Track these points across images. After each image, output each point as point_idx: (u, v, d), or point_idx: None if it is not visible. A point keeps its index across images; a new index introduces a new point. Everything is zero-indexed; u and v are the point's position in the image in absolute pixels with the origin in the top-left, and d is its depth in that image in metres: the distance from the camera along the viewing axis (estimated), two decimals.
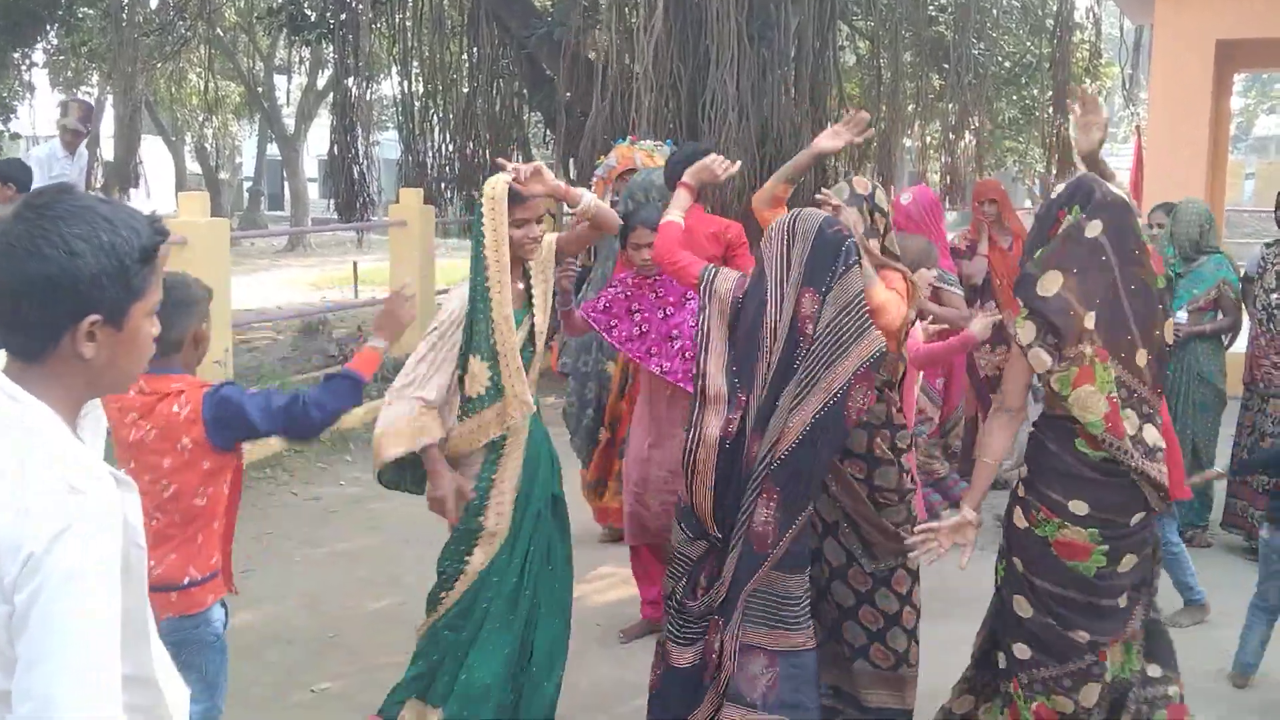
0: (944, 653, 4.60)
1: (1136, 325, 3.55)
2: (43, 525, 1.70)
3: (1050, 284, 3.56)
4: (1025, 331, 3.59)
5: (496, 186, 3.95)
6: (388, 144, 19.94)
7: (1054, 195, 3.77)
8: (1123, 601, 3.68)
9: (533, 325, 4.13)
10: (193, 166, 33.58)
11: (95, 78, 24.49)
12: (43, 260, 1.77)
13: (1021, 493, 3.73)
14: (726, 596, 3.81)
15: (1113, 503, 3.57)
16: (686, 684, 3.91)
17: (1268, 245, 6.72)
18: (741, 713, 3.77)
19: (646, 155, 7.75)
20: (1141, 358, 3.56)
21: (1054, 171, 15.02)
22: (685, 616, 3.91)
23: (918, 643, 4.26)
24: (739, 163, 4.69)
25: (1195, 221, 6.61)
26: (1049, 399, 3.68)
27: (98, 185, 17.54)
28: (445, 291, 5.10)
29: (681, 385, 4.91)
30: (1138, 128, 11.55)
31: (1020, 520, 3.71)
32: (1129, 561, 3.63)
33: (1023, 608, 3.72)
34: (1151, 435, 3.57)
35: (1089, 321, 3.51)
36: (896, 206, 6.44)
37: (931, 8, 15.62)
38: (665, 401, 5.06)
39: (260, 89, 29.08)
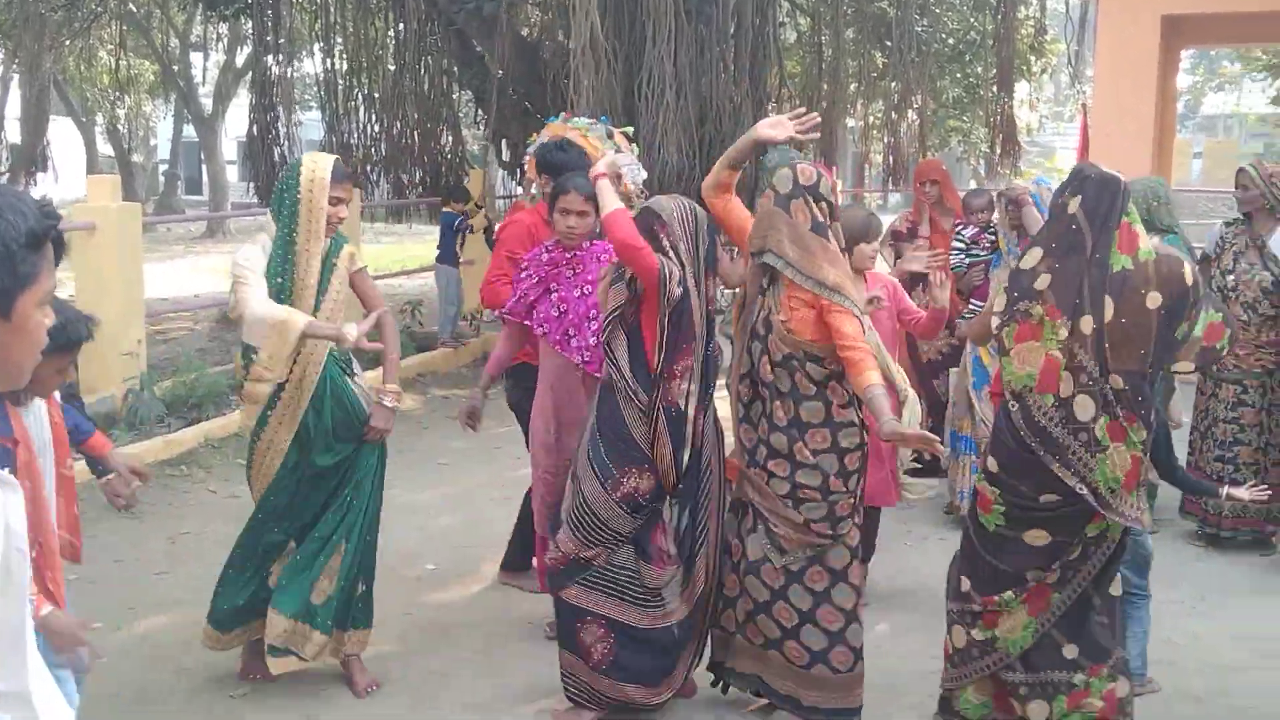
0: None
1: (1088, 291, 3.83)
2: None
3: (1031, 258, 4.02)
4: (999, 300, 4.08)
5: (320, 161, 4.55)
6: (310, 124, 19.73)
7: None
8: (1026, 573, 3.99)
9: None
10: (105, 149, 33.02)
11: (0, 55, 24.03)
12: None
13: (988, 470, 4.13)
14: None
15: (1018, 471, 3.94)
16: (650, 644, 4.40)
17: (1226, 224, 6.80)
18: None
19: (580, 135, 7.70)
20: (1087, 324, 3.82)
21: (998, 151, 15.16)
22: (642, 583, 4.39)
23: (850, 647, 4.31)
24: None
25: (1141, 198, 6.66)
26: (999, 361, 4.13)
27: (3, 170, 17.24)
28: (379, 278, 5.12)
29: (594, 374, 4.94)
30: (1084, 106, 11.67)
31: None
32: (1037, 536, 3.96)
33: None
34: (1084, 409, 3.82)
35: (1041, 283, 3.91)
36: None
37: None
38: (573, 386, 5.04)
39: (175, 67, 28.62)
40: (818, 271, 4.15)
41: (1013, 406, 3.95)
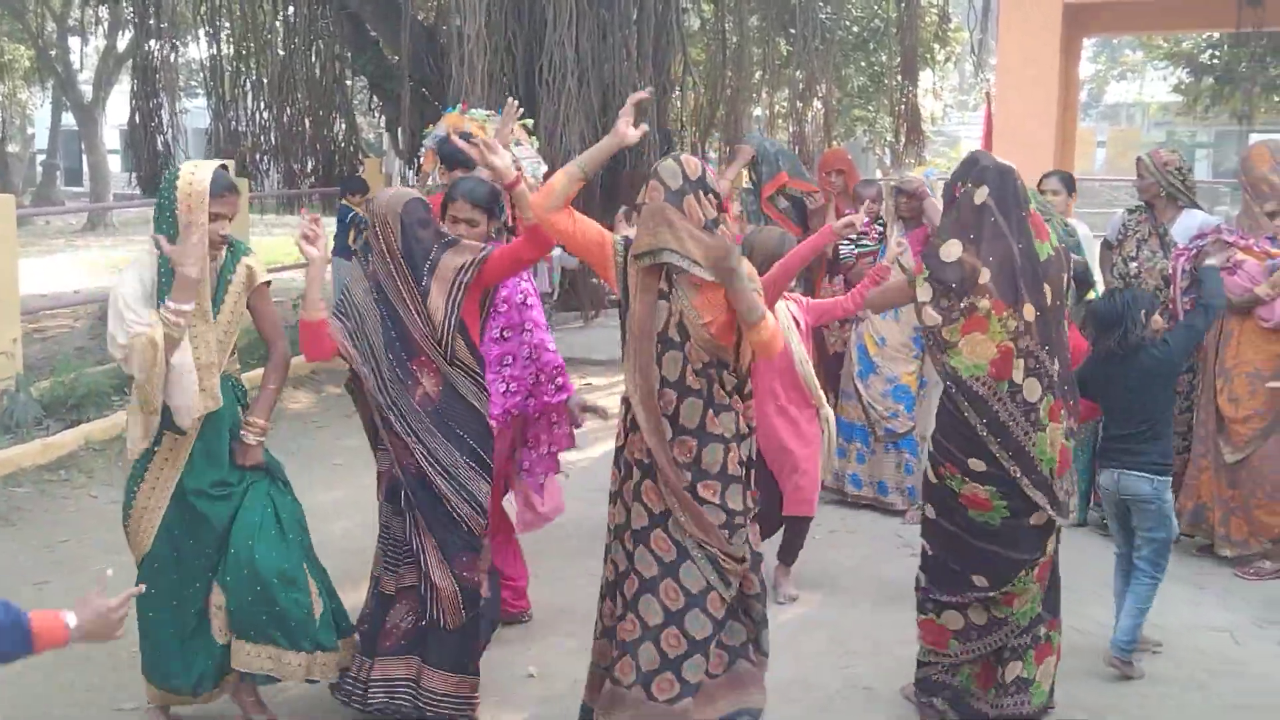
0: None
1: (1023, 280, 4.22)
2: None
3: (952, 250, 4.27)
4: (922, 291, 4.30)
5: (198, 173, 4.24)
6: (196, 111, 19.41)
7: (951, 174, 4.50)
8: (1029, 553, 4.33)
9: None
10: None
11: None
12: None
13: (932, 449, 4.44)
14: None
15: (992, 464, 4.25)
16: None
17: (1129, 212, 6.94)
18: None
19: (478, 126, 7.66)
20: (1029, 312, 4.21)
21: (903, 141, 15.36)
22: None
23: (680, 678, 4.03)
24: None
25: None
26: (939, 356, 4.33)
27: None
28: (272, 270, 4.97)
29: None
30: (988, 94, 11.84)
31: (931, 475, 4.46)
32: (1040, 516, 4.30)
33: (929, 546, 4.52)
34: (1032, 391, 4.22)
35: (984, 277, 4.20)
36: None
37: None
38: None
39: (53, 52, 28.04)
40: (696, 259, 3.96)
41: (951, 389, 4.29)
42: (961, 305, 4.22)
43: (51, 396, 8.66)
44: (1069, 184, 7.27)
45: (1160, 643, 5.25)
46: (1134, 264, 6.69)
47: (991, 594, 4.37)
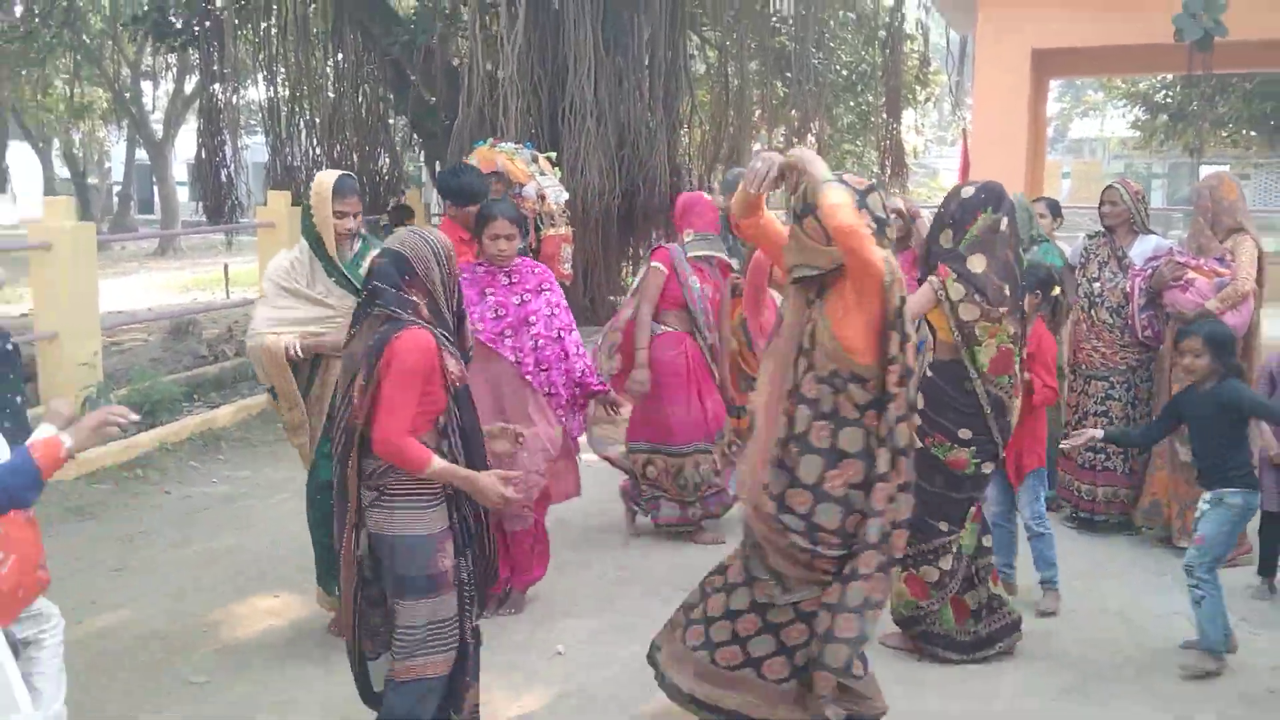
0: None
1: (1020, 294, 4.74)
2: None
3: (978, 264, 4.57)
4: (954, 290, 4.57)
5: (325, 178, 4.66)
6: (256, 148, 19.50)
7: (967, 198, 4.66)
8: (978, 493, 4.83)
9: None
10: (61, 172, 32.38)
11: None
12: None
13: (918, 420, 4.26)
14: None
15: (984, 426, 4.65)
16: None
17: (1089, 237, 6.92)
18: None
19: (507, 158, 7.68)
20: (1017, 322, 4.69)
21: (888, 172, 15.35)
22: None
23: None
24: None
25: (1026, 212, 6.84)
26: (944, 347, 4.66)
27: None
28: None
29: (528, 377, 5.07)
30: (964, 131, 11.84)
31: (917, 439, 4.26)
32: (989, 466, 4.75)
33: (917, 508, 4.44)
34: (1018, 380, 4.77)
35: (1006, 290, 4.58)
36: (700, 200, 6.55)
37: (774, 19, 15.81)
38: (513, 390, 5.06)
39: (128, 95, 28.15)
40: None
41: (974, 376, 4.64)
42: (994, 314, 4.56)
43: (129, 402, 8.63)
44: (1055, 209, 7.27)
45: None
46: (1096, 284, 6.67)
47: (951, 536, 4.75)
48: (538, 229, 7.57)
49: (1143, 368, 6.60)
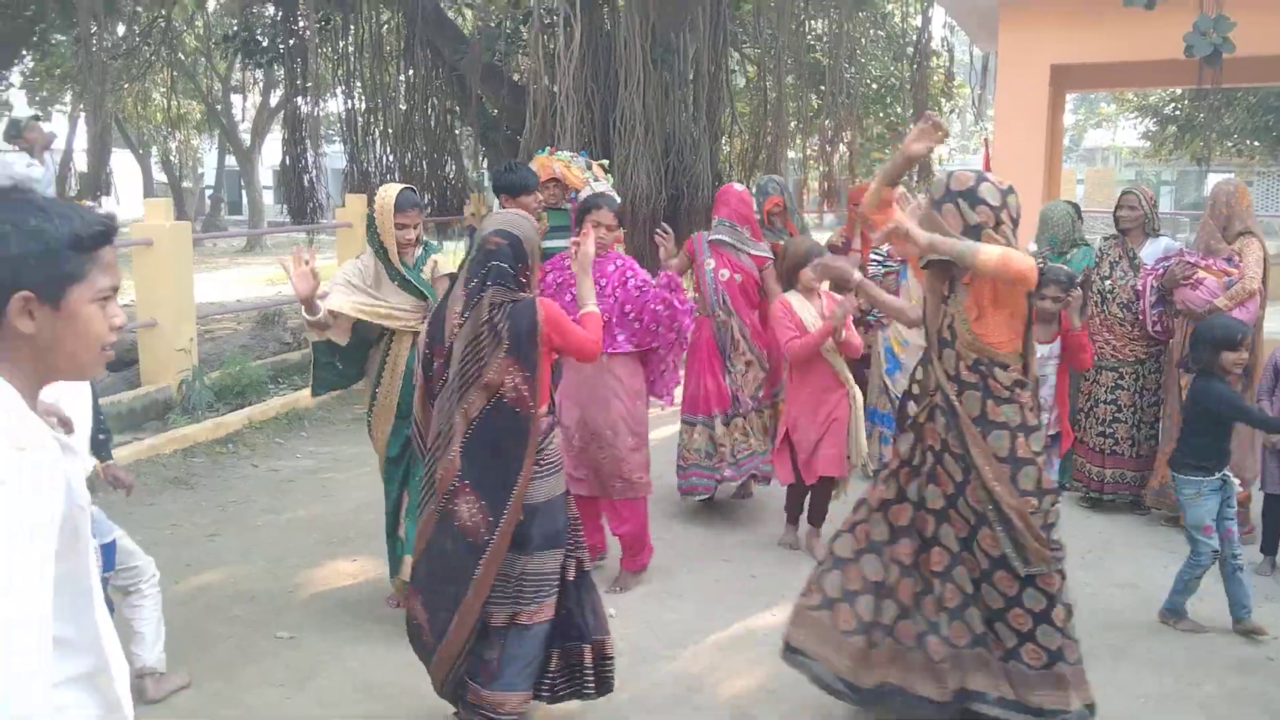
0: None
1: None
2: None
3: None
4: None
5: (388, 193, 4.65)
6: (334, 155, 19.62)
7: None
8: None
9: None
10: (159, 176, 32.75)
11: (68, 97, 23.79)
12: None
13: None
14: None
15: None
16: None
17: (1104, 239, 6.87)
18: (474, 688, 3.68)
19: (564, 165, 7.68)
20: None
21: (914, 180, 15.21)
22: None
23: (1075, 640, 3.80)
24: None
25: (1066, 220, 6.84)
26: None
27: (71, 193, 17.08)
28: None
29: (618, 349, 5.17)
30: (986, 140, 11.73)
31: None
32: None
33: None
34: None
35: None
36: (731, 193, 6.50)
37: (809, 37, 15.73)
38: (595, 368, 5.08)
39: (219, 107, 28.42)
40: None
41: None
42: None
43: (221, 385, 8.78)
44: (1077, 212, 7.22)
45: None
46: (1108, 282, 6.61)
47: None
48: (580, 207, 7.62)
49: (1151, 360, 6.55)
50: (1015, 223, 3.74)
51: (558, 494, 3.72)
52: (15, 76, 21.24)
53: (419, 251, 4.75)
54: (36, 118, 9.60)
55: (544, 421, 3.65)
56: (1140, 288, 6.42)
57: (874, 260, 7.22)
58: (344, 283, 4.73)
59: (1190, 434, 4.89)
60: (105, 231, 1.81)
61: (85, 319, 1.78)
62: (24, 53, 17.36)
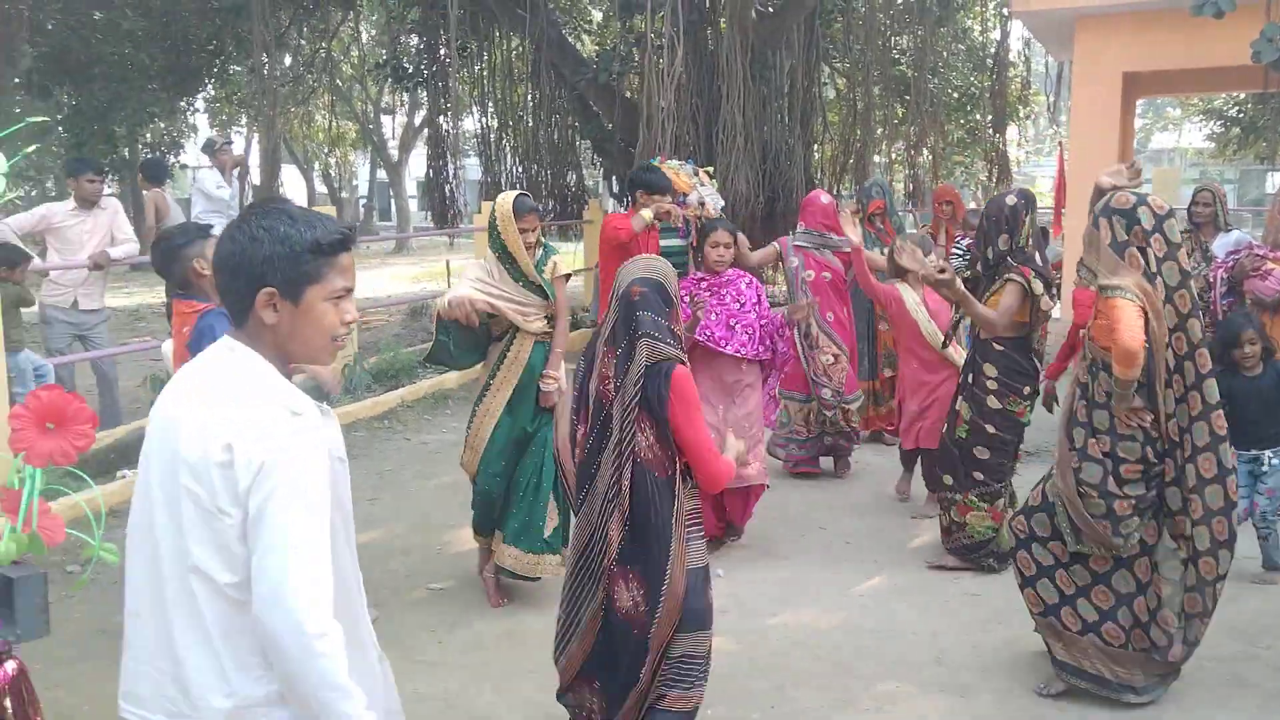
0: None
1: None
2: (270, 441, 1.74)
3: (1039, 260, 4.79)
4: (1036, 285, 4.65)
5: (505, 200, 4.48)
6: (471, 167, 19.90)
7: (1013, 205, 4.74)
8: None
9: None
10: (320, 188, 33.62)
11: (244, 119, 24.56)
12: (233, 243, 1.84)
13: (994, 386, 4.76)
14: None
15: (1036, 384, 4.85)
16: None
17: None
18: None
19: (673, 172, 7.67)
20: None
21: (994, 181, 14.84)
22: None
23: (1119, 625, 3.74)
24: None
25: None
26: (1016, 326, 4.68)
27: (247, 204, 17.71)
28: None
29: (743, 355, 5.10)
30: (1060, 144, 11.38)
31: (994, 402, 4.78)
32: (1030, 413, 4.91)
33: (982, 453, 4.84)
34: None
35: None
36: (816, 203, 6.38)
37: (895, 51, 15.41)
38: (728, 371, 5.10)
39: (371, 126, 29.08)
40: (1101, 274, 3.63)
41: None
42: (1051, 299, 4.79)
43: (377, 369, 8.96)
44: None
45: None
46: None
47: (1011, 473, 5.02)
48: (700, 230, 7.59)
49: None
50: (1175, 246, 3.60)
51: (704, 564, 3.07)
52: (199, 102, 22.00)
53: (539, 253, 4.65)
54: (229, 142, 9.91)
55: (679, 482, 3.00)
56: (1212, 279, 6.15)
57: (955, 253, 7.07)
58: (474, 278, 4.64)
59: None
60: (343, 240, 1.89)
61: (319, 314, 1.87)
62: (207, 81, 17.96)
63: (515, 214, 4.46)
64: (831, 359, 6.13)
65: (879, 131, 15.51)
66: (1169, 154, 44.68)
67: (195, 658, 1.80)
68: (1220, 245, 6.30)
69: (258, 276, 1.82)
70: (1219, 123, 24.78)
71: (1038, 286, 4.61)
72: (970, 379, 4.86)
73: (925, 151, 14.65)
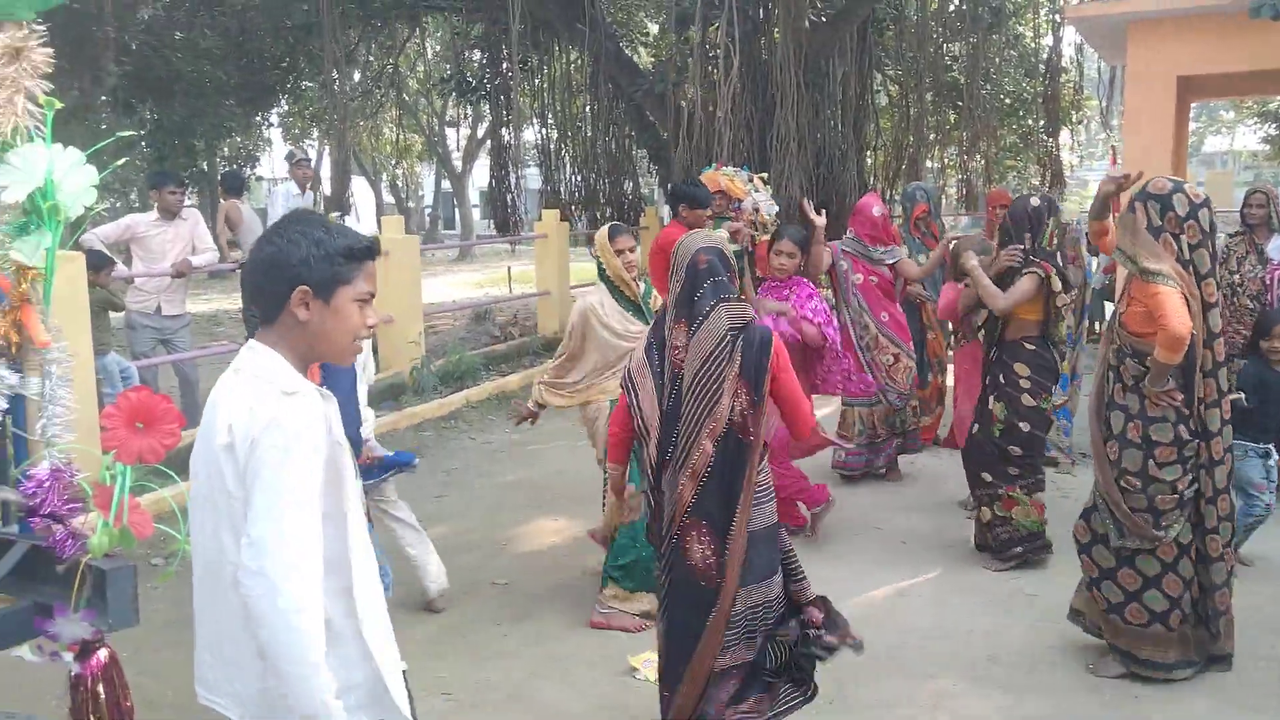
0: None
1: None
2: (260, 416, 1.82)
3: (1059, 260, 4.88)
4: (1055, 282, 4.75)
5: (603, 232, 4.60)
6: (532, 177, 20.04)
7: (1036, 207, 4.84)
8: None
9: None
10: (388, 198, 34.08)
11: (315, 133, 25.00)
12: (271, 246, 1.92)
13: (1027, 385, 4.78)
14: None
15: (1055, 379, 4.91)
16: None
17: (1230, 235, 6.44)
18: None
19: (728, 179, 7.63)
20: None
21: (1047, 185, 14.58)
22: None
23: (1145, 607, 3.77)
24: None
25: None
26: (1029, 325, 4.78)
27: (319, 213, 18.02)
28: (578, 287, 5.34)
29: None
30: (1113, 148, 11.14)
31: (1029, 400, 4.80)
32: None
33: (1015, 450, 4.84)
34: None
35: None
36: (867, 213, 6.26)
37: (947, 58, 15.22)
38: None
39: (436, 138, 29.41)
40: (1139, 259, 3.57)
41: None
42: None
43: (443, 371, 9.04)
44: None
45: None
46: (1236, 276, 6.17)
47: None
48: (754, 235, 7.54)
49: None
50: (1207, 234, 3.60)
51: (773, 523, 3.12)
52: (274, 117, 22.45)
53: (642, 287, 4.61)
54: (306, 157, 10.09)
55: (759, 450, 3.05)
56: (1269, 280, 5.99)
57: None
58: (594, 328, 4.49)
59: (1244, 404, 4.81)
60: (370, 249, 1.99)
61: (347, 314, 1.95)
62: (280, 97, 18.34)
63: (610, 238, 4.54)
64: (892, 359, 6.05)
65: (931, 137, 15.34)
66: (1222, 157, 43.59)
67: (236, 643, 1.89)
68: (1275, 247, 6.13)
69: (294, 276, 1.90)
70: (1274, 125, 24.11)
71: (1056, 284, 4.69)
72: (1001, 378, 4.85)
73: (978, 156, 14.44)
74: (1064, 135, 16.33)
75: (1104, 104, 15.03)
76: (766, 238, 7.74)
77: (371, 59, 18.35)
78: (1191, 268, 3.56)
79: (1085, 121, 19.48)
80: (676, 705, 3.07)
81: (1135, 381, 3.64)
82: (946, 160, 15.75)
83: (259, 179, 24.52)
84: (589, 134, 15.24)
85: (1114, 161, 10.64)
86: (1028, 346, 4.80)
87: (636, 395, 3.14)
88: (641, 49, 17.09)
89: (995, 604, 4.59)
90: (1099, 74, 15.59)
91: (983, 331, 5.20)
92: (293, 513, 1.78)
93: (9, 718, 1.87)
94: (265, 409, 1.82)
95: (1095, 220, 4.25)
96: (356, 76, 18.68)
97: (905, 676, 3.95)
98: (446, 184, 33.22)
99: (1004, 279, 4.84)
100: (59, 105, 2.27)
